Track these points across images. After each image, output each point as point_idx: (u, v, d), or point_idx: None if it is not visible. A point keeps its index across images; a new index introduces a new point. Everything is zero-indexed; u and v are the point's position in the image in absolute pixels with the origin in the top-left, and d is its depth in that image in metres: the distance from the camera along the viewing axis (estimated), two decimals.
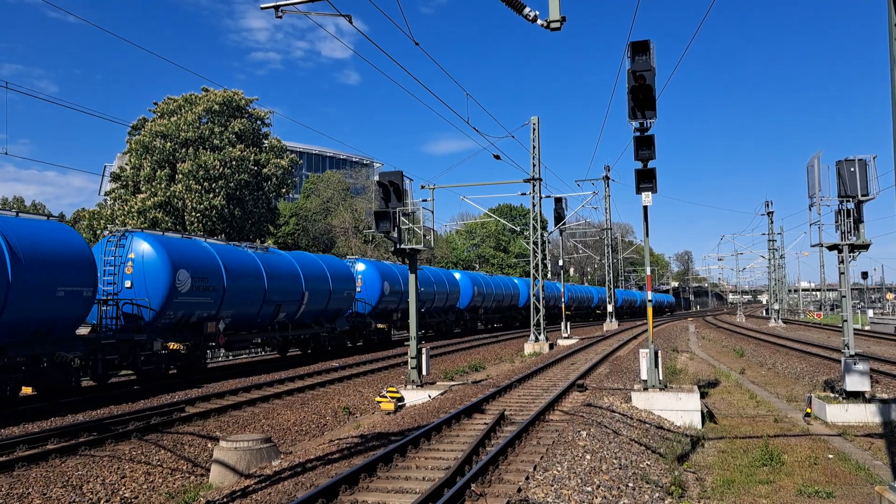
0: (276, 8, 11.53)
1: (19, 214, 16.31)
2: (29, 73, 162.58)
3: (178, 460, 11.64)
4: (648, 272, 16.35)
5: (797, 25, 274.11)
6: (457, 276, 45.22)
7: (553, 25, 9.58)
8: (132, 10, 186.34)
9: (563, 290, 44.72)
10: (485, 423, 12.50)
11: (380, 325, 33.24)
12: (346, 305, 29.73)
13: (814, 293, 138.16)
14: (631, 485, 9.03)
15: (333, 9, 11.52)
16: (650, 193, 14.97)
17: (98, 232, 38.13)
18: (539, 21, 9.67)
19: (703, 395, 16.66)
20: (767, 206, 62.08)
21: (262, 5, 11.63)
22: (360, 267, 32.62)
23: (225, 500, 8.90)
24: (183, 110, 43.04)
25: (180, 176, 41.28)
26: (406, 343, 25.51)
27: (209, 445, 12.42)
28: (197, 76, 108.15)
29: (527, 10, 9.70)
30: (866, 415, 14.12)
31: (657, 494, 8.85)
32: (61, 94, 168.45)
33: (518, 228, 76.99)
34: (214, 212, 41.73)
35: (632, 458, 10.61)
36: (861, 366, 14.46)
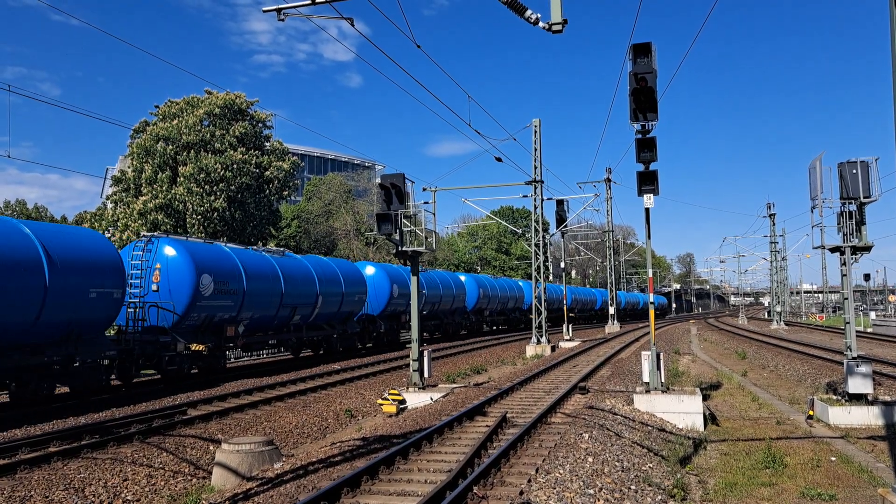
0: (279, 11, 11.55)
1: None
2: (32, 76, 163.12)
3: (180, 463, 11.64)
4: (650, 274, 16.35)
5: (798, 25, 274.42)
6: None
7: (555, 28, 9.59)
8: (134, 12, 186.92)
9: (564, 293, 44.70)
10: (487, 426, 12.49)
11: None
12: None
13: (816, 295, 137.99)
14: (633, 487, 9.01)
15: (336, 12, 11.55)
16: (652, 196, 14.97)
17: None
18: (541, 24, 9.68)
19: (705, 398, 16.63)
20: (769, 207, 62.10)
21: (264, 8, 11.65)
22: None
23: (227, 502, 8.89)
24: (185, 113, 43.08)
25: (182, 179, 41.30)
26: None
27: (211, 448, 12.42)
28: (199, 79, 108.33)
29: (529, 12, 9.70)
30: (869, 417, 14.11)
31: (659, 497, 8.83)
32: (64, 97, 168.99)
33: (520, 231, 76.90)
34: (216, 214, 41.76)
35: (634, 460, 10.59)
36: (863, 368, 14.44)
